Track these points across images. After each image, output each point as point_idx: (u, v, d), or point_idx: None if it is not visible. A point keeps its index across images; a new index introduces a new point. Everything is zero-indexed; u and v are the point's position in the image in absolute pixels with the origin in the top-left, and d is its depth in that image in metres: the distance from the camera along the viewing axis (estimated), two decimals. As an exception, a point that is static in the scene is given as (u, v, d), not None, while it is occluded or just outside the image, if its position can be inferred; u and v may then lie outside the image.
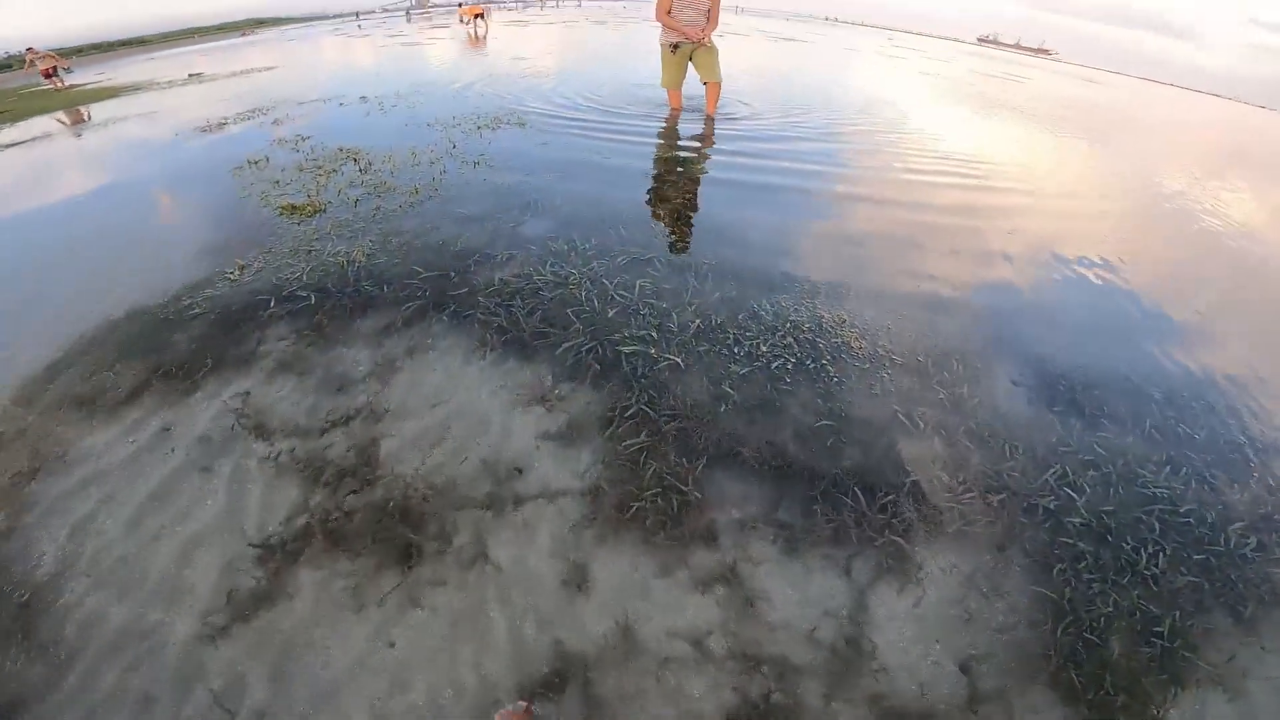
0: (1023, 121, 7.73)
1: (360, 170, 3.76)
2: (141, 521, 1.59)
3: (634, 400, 1.92)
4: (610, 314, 2.29)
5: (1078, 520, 1.68)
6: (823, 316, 2.38)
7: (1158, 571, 1.58)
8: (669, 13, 4.87)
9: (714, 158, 4.17)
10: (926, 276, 2.79)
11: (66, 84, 12.74)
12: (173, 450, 1.76)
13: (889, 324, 2.39)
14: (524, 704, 1.20)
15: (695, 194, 3.51)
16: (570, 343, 2.16)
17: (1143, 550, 1.62)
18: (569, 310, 2.30)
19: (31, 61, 13.23)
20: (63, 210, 3.60)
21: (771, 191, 3.62)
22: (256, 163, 4.07)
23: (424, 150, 4.14)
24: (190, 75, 11.37)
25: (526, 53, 11.20)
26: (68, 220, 3.44)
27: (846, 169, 4.25)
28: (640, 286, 2.46)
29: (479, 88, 6.66)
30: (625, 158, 4.05)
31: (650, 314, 2.30)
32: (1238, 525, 1.73)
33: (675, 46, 4.95)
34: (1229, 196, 5.21)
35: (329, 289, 2.47)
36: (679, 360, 2.09)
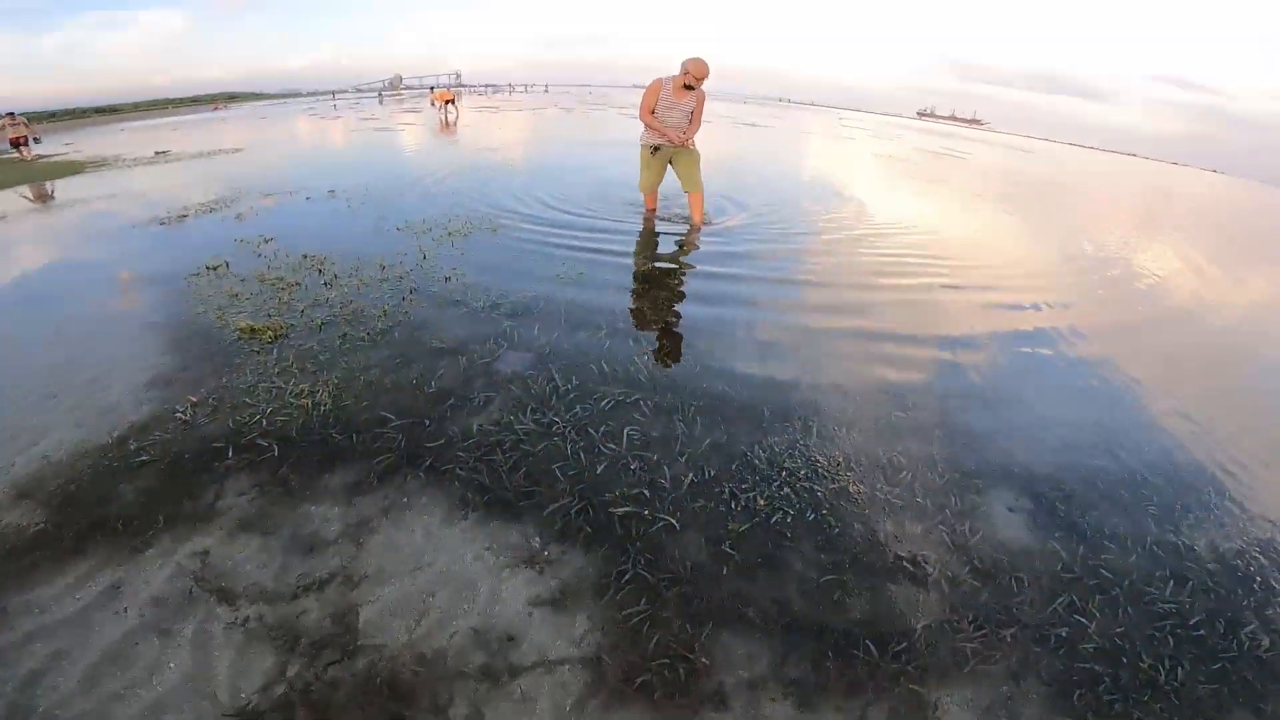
0: (988, 209, 8.11)
1: (326, 285, 3.57)
2: (99, 680, 1.39)
3: (630, 565, 1.75)
4: (598, 469, 2.11)
5: (1092, 645, 1.66)
6: (818, 461, 2.25)
7: (1177, 684, 1.58)
8: (653, 113, 4.74)
9: (697, 273, 4.06)
10: (915, 406, 2.70)
11: (33, 154, 12.49)
12: (125, 610, 1.55)
13: (885, 461, 2.29)
14: None
15: (678, 317, 3.37)
16: (558, 503, 1.97)
17: (1160, 666, 1.62)
18: (554, 466, 2.12)
19: (3, 127, 12.94)
20: (-7, 319, 3.32)
21: (756, 309, 3.51)
22: (215, 268, 3.86)
23: (394, 261, 3.97)
24: (157, 153, 11.29)
25: (497, 143, 11.45)
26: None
27: (831, 286, 4.06)
28: (628, 436, 2.30)
29: (450, 184, 6.65)
30: (602, 272, 3.89)
31: (641, 468, 2.13)
32: (1248, 629, 1.76)
33: (656, 149, 4.84)
34: (1190, 273, 5.44)
35: (293, 437, 2.24)
36: (674, 521, 1.92)
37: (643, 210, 5.42)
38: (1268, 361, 4.10)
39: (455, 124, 16.02)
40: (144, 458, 2.11)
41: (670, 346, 2.98)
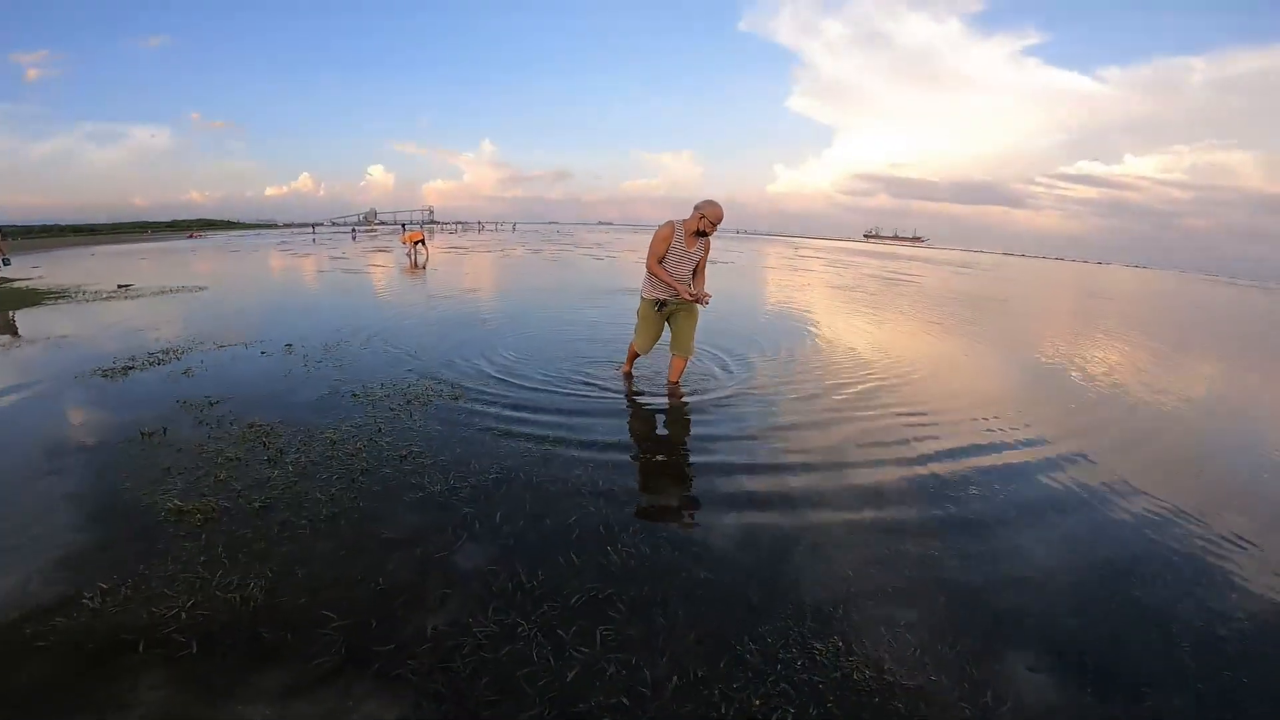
0: (952, 341, 8.34)
1: (270, 460, 3.26)
2: None
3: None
4: (570, 676, 1.83)
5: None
6: (816, 648, 2.00)
7: None
8: (661, 262, 4.30)
9: (677, 449, 3.70)
10: (913, 574, 2.49)
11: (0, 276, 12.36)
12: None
13: (887, 640, 2.05)
14: None
15: (656, 500, 3.06)
16: (525, 715, 1.68)
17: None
18: (520, 672, 1.83)
19: None
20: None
21: (741, 489, 3.19)
22: (151, 435, 3.55)
23: (346, 436, 3.64)
24: (119, 286, 11.18)
25: (464, 289, 11.61)
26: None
27: (823, 469, 3.47)
28: (602, 636, 2.02)
29: (415, 337, 6.52)
30: (572, 450, 3.53)
31: (618, 672, 1.85)
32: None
33: (662, 304, 4.36)
34: (1151, 372, 5.39)
35: (216, 634, 1.94)
36: (661, 731, 1.63)
37: (620, 368, 5.07)
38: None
39: (424, 265, 16.38)
40: (42, 643, 1.89)
41: (646, 533, 2.69)
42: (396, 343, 6.21)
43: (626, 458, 3.49)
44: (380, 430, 3.75)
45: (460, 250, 24.94)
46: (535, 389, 4.65)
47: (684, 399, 4.52)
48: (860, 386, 5.22)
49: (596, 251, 27.18)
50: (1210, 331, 12.75)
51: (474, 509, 2.81)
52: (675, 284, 4.24)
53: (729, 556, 2.53)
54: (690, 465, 3.48)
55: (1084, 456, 3.92)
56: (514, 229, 55.09)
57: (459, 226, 46.24)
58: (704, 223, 4.16)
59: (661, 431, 4.01)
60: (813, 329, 8.34)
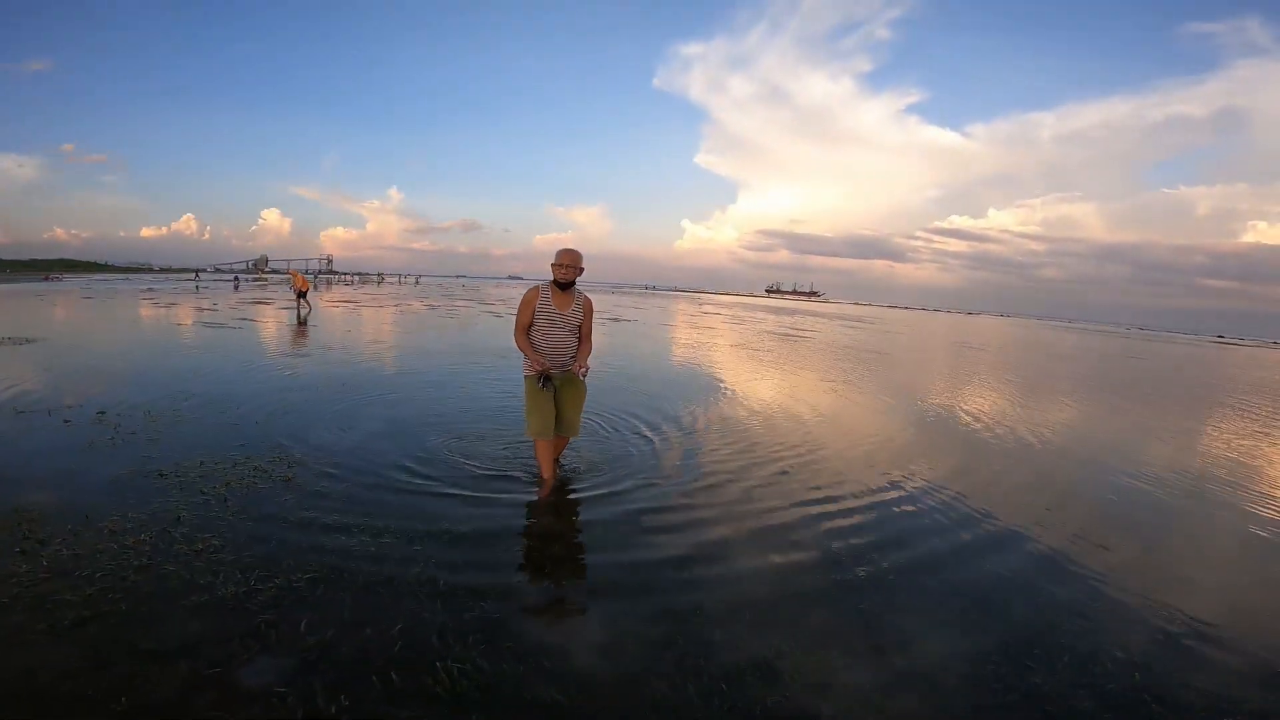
0: (853, 398, 8.64)
1: (22, 552, 2.66)
2: None
3: None
4: None
5: None
6: None
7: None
8: (527, 332, 3.80)
9: (544, 543, 3.23)
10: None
11: None
12: None
13: None
14: None
15: (506, 603, 2.59)
16: None
17: None
18: None
19: None
20: None
21: (609, 581, 2.84)
22: None
23: (131, 526, 2.99)
24: None
25: (340, 349, 10.79)
26: None
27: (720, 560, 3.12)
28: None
29: (265, 407, 5.65)
30: (415, 545, 3.00)
31: None
32: None
33: (545, 379, 3.75)
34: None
35: None
36: None
37: (535, 477, 4.04)
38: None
39: (305, 320, 15.20)
40: None
41: (488, 644, 2.27)
42: (238, 412, 5.42)
43: (479, 554, 3.00)
44: (179, 519, 3.12)
45: (352, 304, 23.65)
46: (386, 470, 4.06)
47: (567, 486, 3.99)
48: (756, 473, 4.61)
49: (498, 309, 26.57)
50: (1059, 374, 15.46)
51: (274, 614, 2.33)
52: (539, 359, 3.70)
53: (589, 672, 2.18)
54: (554, 561, 3.05)
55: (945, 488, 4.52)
56: (417, 282, 53.46)
57: (356, 278, 44.21)
58: (559, 270, 3.70)
59: (526, 522, 3.49)
60: (714, 393, 8.29)
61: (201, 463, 3.99)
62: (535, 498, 3.76)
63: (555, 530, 3.42)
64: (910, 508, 4.11)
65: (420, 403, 6.38)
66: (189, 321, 14.10)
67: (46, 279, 39.67)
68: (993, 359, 18.29)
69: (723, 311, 39.22)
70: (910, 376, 12.58)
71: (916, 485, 4.59)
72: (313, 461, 4.17)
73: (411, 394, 6.83)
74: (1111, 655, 2.50)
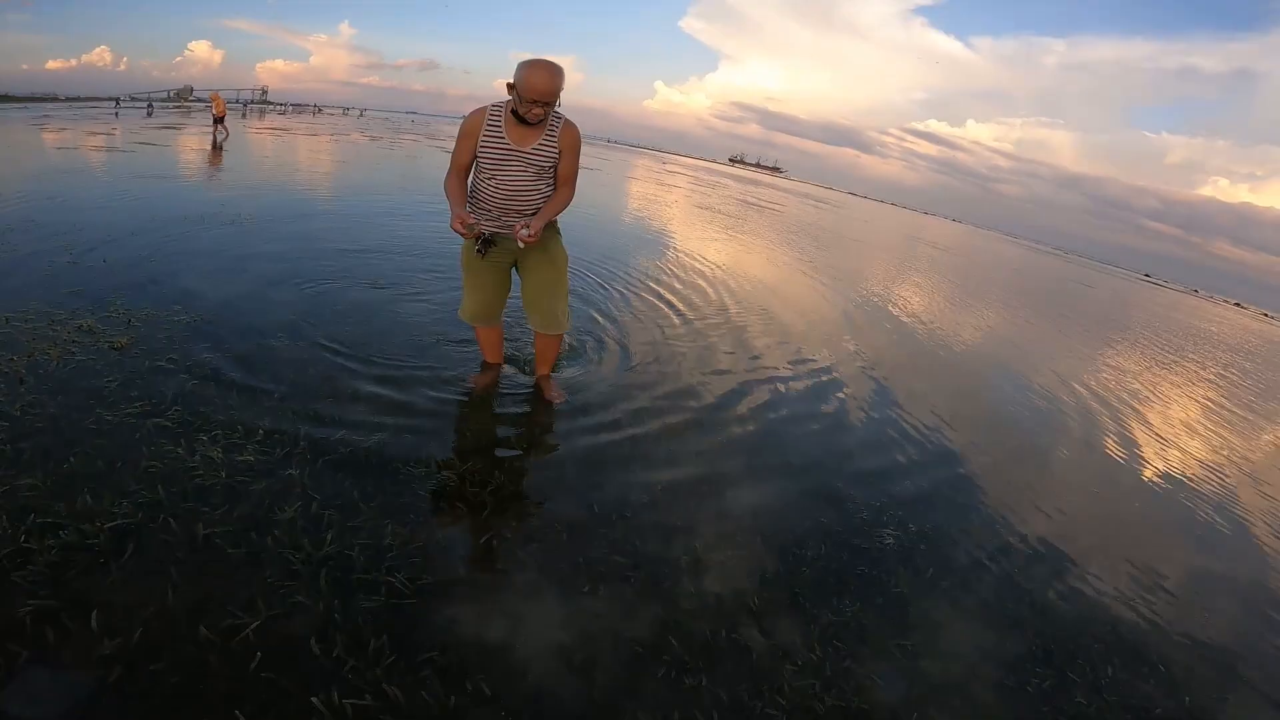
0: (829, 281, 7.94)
1: None
2: None
3: None
4: None
5: None
6: None
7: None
8: (465, 175, 2.67)
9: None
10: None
11: None
12: None
13: None
14: None
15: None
16: None
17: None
18: None
19: None
20: None
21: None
22: None
23: None
24: None
25: (259, 178, 9.47)
26: None
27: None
28: None
29: (131, 247, 4.54)
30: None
31: None
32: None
33: (485, 243, 2.62)
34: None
35: None
36: None
37: (473, 370, 3.26)
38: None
39: (220, 146, 13.33)
40: None
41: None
42: (89, 251, 4.31)
43: (378, 494, 2.26)
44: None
45: (280, 132, 21.00)
46: (264, 338, 3.29)
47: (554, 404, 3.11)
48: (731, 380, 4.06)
49: (447, 144, 24.28)
50: (1006, 284, 16.38)
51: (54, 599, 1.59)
52: (459, 211, 2.53)
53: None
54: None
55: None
56: (361, 114, 48.76)
57: (290, 108, 39.87)
58: (528, 109, 2.40)
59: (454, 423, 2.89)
60: (693, 269, 7.64)
61: (8, 319, 3.04)
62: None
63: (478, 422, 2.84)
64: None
65: (331, 242, 5.46)
66: (70, 145, 12.09)
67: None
68: (967, 265, 18.69)
69: (685, 173, 37.29)
70: (891, 266, 12.39)
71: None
72: (167, 324, 3.29)
73: (322, 231, 5.85)
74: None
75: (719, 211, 15.24)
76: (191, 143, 13.81)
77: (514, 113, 2.48)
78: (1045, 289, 19.17)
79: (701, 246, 9.25)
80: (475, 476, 2.42)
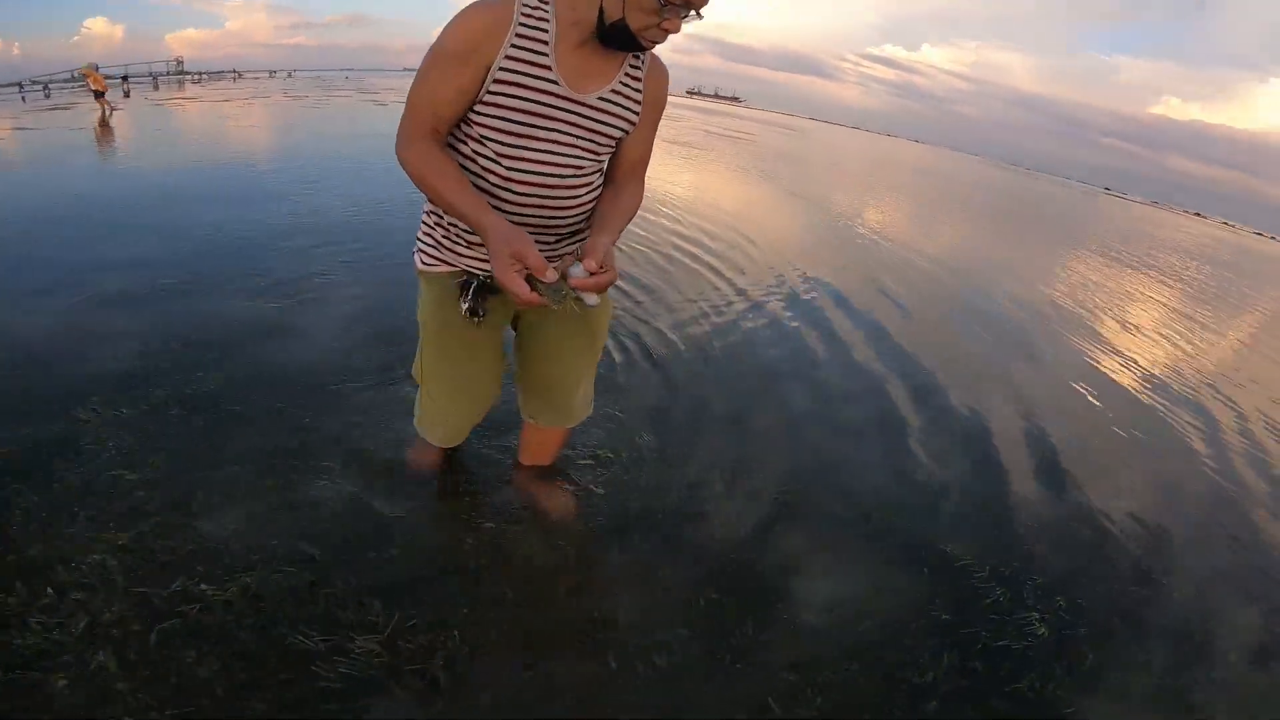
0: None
1: None
2: None
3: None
4: None
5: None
6: None
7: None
8: (439, 142, 1.21)
9: None
10: None
11: None
12: None
13: None
14: None
15: None
16: None
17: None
18: None
19: None
20: None
21: None
22: None
23: None
24: None
25: (142, 150, 7.92)
26: None
27: None
28: None
29: None
30: None
31: None
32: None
33: (475, 293, 1.31)
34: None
35: None
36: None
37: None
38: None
39: (106, 122, 11.46)
40: None
41: None
42: None
43: None
44: None
45: (186, 100, 18.65)
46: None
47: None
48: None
49: (384, 96, 22.13)
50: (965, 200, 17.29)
51: None
52: (523, 247, 1.09)
53: None
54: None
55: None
56: (290, 75, 45.13)
57: (205, 76, 36.49)
58: (667, 13, 1.09)
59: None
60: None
61: None
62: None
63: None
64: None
65: (207, 235, 4.13)
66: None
67: None
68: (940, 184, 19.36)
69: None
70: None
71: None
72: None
73: (202, 222, 4.48)
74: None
75: (695, 146, 13.91)
76: (74, 120, 11.90)
77: (601, 25, 1.13)
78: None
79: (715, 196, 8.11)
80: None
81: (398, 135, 1.18)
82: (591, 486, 2.05)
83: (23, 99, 17.71)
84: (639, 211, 1.39)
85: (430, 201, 1.30)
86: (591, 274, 1.10)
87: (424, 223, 1.43)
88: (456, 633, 1.47)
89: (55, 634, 1.32)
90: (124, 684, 1.24)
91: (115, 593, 1.44)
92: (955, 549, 2.08)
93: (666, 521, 2.00)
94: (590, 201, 1.33)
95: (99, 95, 12.80)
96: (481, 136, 1.21)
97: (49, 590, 1.41)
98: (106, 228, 4.22)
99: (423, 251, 1.43)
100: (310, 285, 3.43)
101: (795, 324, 4.11)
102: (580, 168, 1.27)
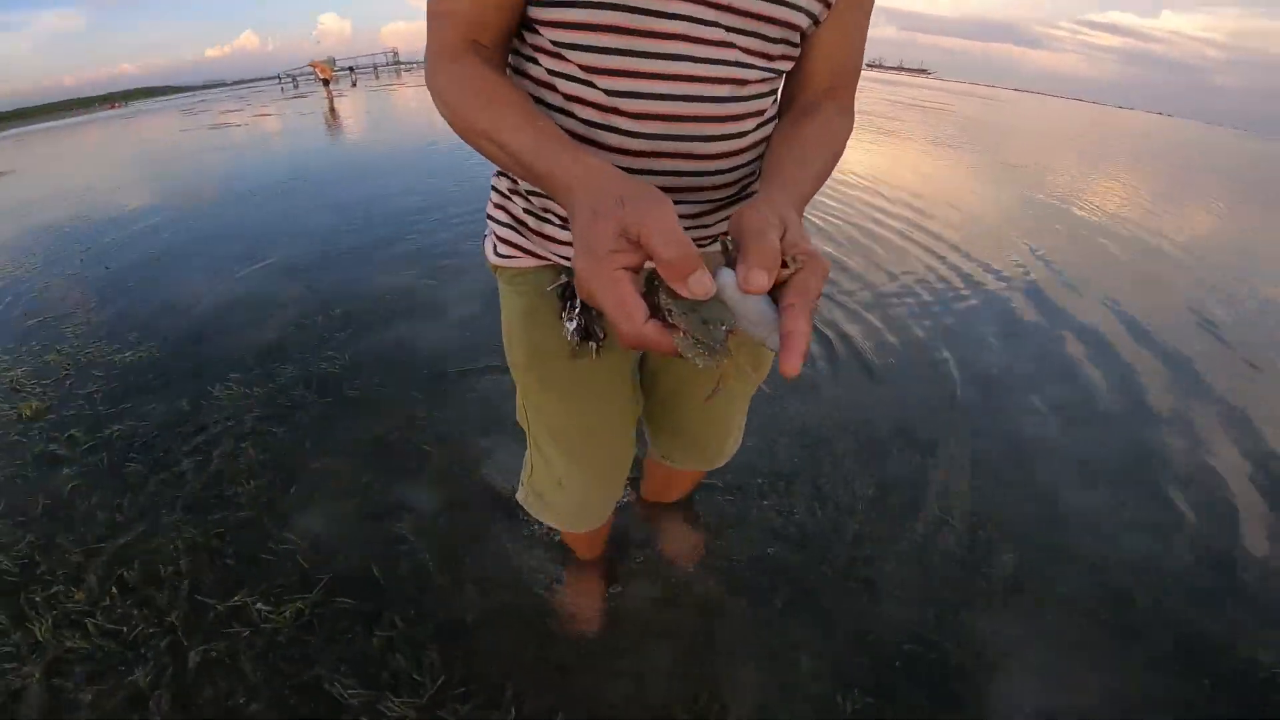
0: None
1: None
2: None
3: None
4: None
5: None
6: None
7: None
8: (480, 56, 0.66)
9: None
10: None
11: None
12: None
13: None
14: None
15: None
16: None
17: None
18: None
19: None
20: None
21: None
22: None
23: None
24: None
25: (325, 140, 8.74)
26: None
27: None
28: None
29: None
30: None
31: None
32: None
33: (584, 312, 0.80)
34: None
35: None
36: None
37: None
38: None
39: (334, 110, 12.94)
40: None
41: None
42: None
43: None
44: None
45: (401, 87, 20.71)
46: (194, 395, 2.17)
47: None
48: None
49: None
50: None
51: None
52: (663, 223, 0.47)
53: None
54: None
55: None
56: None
57: (414, 65, 40.52)
58: None
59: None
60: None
61: None
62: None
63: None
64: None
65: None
66: (195, 127, 12.16)
67: (111, 107, 41.64)
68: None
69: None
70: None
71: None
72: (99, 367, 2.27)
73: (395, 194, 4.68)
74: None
75: (881, 115, 12.58)
76: (309, 110, 13.63)
77: None
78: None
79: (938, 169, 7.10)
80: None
81: (425, 61, 0.69)
82: (730, 529, 1.62)
83: (281, 90, 21.31)
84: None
85: (483, 154, 0.66)
86: (753, 285, 0.46)
87: (494, 189, 0.87)
88: (513, 710, 1.17)
89: (103, 640, 1.23)
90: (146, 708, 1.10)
91: (177, 600, 1.34)
92: (1259, 653, 1.36)
93: (824, 588, 1.49)
94: (758, 144, 0.76)
95: (326, 84, 14.69)
96: (559, 45, 0.67)
97: (113, 590, 1.34)
98: (307, 198, 4.89)
99: (495, 235, 0.88)
100: (462, 259, 3.37)
101: (1038, 321, 3.07)
102: (741, 81, 0.69)
